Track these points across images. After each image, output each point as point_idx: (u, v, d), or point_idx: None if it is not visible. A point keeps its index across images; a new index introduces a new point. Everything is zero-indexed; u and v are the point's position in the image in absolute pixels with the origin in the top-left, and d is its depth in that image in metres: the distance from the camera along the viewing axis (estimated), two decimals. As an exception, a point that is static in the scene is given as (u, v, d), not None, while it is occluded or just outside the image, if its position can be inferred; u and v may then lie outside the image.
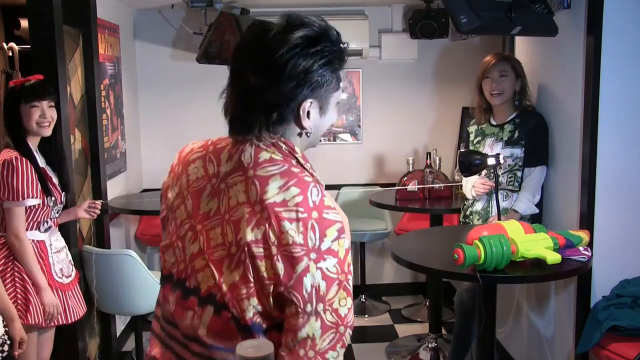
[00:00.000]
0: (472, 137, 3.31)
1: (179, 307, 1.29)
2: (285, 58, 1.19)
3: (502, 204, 3.08)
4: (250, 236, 1.17)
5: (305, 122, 1.26)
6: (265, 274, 1.16)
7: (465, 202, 3.34)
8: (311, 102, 1.25)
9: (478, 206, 3.21)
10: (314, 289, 1.16)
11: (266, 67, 1.21)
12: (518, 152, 3.08)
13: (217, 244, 1.23)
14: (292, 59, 1.20)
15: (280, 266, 1.15)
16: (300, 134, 1.28)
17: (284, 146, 1.26)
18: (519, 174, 3.10)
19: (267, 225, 1.17)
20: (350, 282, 1.22)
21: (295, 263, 1.16)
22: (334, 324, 1.19)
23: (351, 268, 1.23)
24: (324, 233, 1.17)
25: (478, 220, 3.19)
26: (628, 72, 2.72)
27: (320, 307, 1.17)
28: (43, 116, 2.66)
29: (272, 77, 1.21)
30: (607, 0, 2.65)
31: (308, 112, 1.25)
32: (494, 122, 3.22)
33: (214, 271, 1.22)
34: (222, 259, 1.21)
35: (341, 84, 1.32)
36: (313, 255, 1.16)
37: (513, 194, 3.10)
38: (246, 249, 1.18)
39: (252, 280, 1.18)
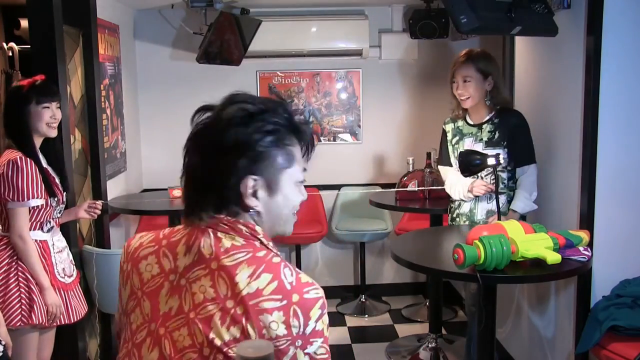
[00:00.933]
0: (449, 136, 3.26)
1: None
2: (219, 130, 1.13)
3: (488, 206, 3.07)
4: (227, 336, 1.08)
5: (250, 201, 1.15)
6: None
7: (452, 205, 3.29)
8: (255, 180, 1.14)
9: (465, 208, 3.18)
10: None
11: (202, 144, 1.15)
12: (501, 152, 3.03)
13: (184, 346, 1.11)
14: (227, 131, 1.12)
15: None
16: (251, 215, 1.18)
17: (244, 229, 1.16)
18: (503, 175, 3.06)
19: (244, 321, 1.07)
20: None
21: (282, 356, 1.07)
22: None
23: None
24: (307, 316, 1.09)
25: (465, 222, 3.17)
26: (628, 72, 2.71)
27: None
28: (53, 117, 2.66)
29: (206, 154, 1.14)
30: (607, 0, 2.65)
31: (255, 192, 1.15)
32: (471, 122, 3.18)
33: None
34: None
35: (297, 162, 1.19)
36: (299, 342, 1.08)
37: (500, 196, 3.07)
38: (223, 349, 1.08)
39: None
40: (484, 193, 3.07)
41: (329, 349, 1.13)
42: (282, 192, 1.19)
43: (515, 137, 3.04)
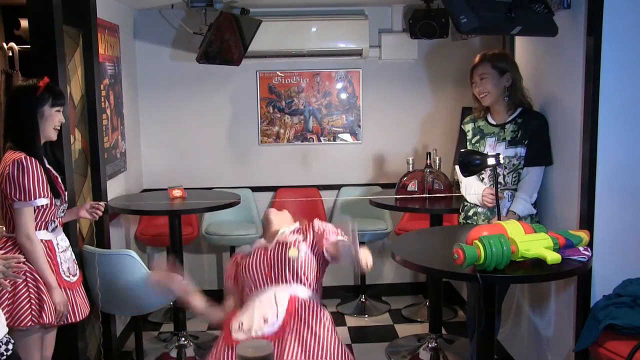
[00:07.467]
0: (469, 135, 3.28)
1: None
2: None
3: (508, 204, 3.08)
4: None
5: None
6: None
7: (467, 203, 3.31)
8: None
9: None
10: None
11: None
12: (522, 151, 3.07)
13: None
14: None
15: None
16: None
17: None
18: (523, 172, 3.10)
19: None
20: None
21: None
22: None
23: None
24: None
25: (483, 220, 3.17)
26: (628, 72, 2.71)
27: None
28: (60, 120, 2.69)
29: None
30: (607, 1, 2.65)
31: None
32: (492, 122, 3.20)
33: None
34: None
35: None
36: None
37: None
38: None
39: None
40: (490, 201, 3.09)
41: None
42: None
43: (532, 138, 3.07)
